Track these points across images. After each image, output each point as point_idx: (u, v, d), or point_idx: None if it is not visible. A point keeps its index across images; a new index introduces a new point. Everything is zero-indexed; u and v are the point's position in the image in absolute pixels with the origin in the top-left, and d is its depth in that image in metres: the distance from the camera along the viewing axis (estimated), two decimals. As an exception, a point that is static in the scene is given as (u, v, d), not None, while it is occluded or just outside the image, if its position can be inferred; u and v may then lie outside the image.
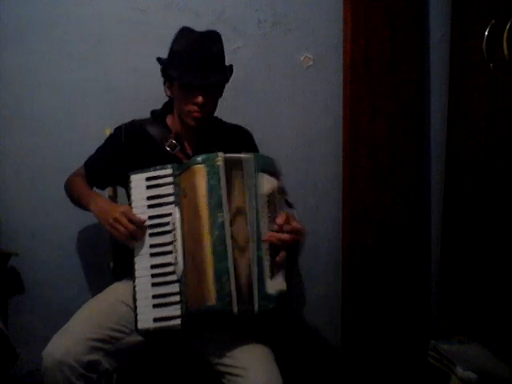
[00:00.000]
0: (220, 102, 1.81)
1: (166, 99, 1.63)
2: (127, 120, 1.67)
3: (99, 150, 1.68)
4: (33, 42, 1.88)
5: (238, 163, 1.39)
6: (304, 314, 2.13)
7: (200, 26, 1.93)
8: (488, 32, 1.74)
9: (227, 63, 1.58)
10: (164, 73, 1.56)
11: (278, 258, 1.34)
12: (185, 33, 1.54)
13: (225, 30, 1.96)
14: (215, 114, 1.64)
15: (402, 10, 1.97)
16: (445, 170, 2.07)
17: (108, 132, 1.73)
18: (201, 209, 1.36)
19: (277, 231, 1.35)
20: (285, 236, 1.34)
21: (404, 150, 2.02)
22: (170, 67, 1.52)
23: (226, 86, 1.96)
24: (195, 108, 1.50)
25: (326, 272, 2.12)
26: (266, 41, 2.00)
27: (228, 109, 1.98)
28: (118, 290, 1.54)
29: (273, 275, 1.33)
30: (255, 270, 1.32)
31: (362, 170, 2.00)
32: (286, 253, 1.35)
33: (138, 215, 1.43)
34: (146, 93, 1.87)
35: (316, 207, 2.09)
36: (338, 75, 2.03)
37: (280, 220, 1.35)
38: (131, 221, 1.41)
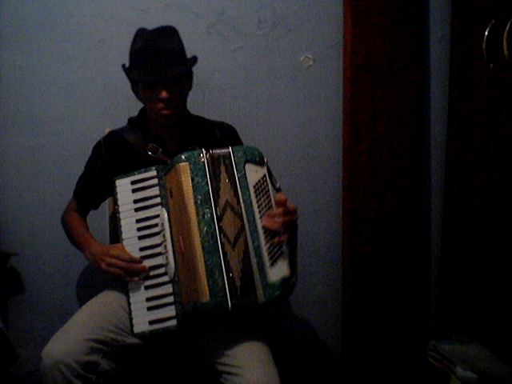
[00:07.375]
0: (220, 101, 1.83)
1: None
2: (126, 120, 1.68)
3: (84, 170, 1.68)
4: (33, 41, 1.88)
5: (223, 158, 1.40)
6: (304, 314, 2.13)
7: (200, 26, 1.96)
8: (488, 32, 1.74)
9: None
10: (129, 78, 1.58)
11: (276, 242, 1.34)
12: (140, 34, 1.54)
13: (225, 30, 1.97)
14: (205, 115, 1.65)
15: (402, 10, 1.97)
16: (445, 170, 2.07)
17: (108, 131, 1.73)
18: (188, 206, 1.37)
19: (272, 216, 1.34)
20: (280, 220, 1.34)
21: (404, 149, 2.02)
22: (132, 70, 1.53)
23: (226, 85, 1.97)
24: (162, 105, 1.50)
25: (326, 272, 2.12)
26: (266, 41, 1.99)
27: (228, 109, 1.99)
28: (116, 292, 1.54)
29: (273, 263, 1.33)
30: (254, 261, 1.33)
31: (362, 170, 2.00)
32: (286, 235, 1.35)
33: (129, 252, 1.43)
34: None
35: (316, 207, 2.08)
36: (338, 75, 2.03)
37: (277, 204, 1.35)
38: (124, 260, 1.42)
